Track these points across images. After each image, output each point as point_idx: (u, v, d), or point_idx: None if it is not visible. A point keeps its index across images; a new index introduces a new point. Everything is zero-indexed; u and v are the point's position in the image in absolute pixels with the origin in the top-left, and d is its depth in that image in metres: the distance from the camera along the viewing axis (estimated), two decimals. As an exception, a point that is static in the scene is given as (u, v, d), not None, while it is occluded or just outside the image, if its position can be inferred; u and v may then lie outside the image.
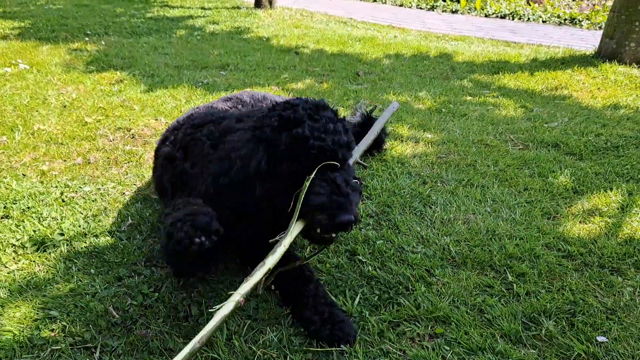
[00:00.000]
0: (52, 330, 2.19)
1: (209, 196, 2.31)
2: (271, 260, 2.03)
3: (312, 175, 2.10)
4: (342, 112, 5.06)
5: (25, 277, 2.52)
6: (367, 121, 4.18)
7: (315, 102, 2.26)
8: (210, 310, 2.04)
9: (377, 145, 4.20)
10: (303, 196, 2.09)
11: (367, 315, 2.39)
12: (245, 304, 2.15)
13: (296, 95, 5.76)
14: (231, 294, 1.92)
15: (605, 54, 7.42)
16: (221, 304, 1.89)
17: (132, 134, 4.34)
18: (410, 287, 2.59)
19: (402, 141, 4.54)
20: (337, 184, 2.12)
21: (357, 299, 2.49)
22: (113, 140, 4.22)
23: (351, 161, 2.52)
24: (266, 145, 2.18)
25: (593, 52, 7.84)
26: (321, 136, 2.12)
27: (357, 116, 4.30)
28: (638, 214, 3.37)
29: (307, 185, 2.10)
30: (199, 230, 1.99)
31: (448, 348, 2.21)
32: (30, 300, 2.36)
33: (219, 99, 3.37)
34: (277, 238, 2.11)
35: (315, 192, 2.10)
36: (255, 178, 2.20)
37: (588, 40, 10.09)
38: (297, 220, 2.11)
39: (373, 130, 3.47)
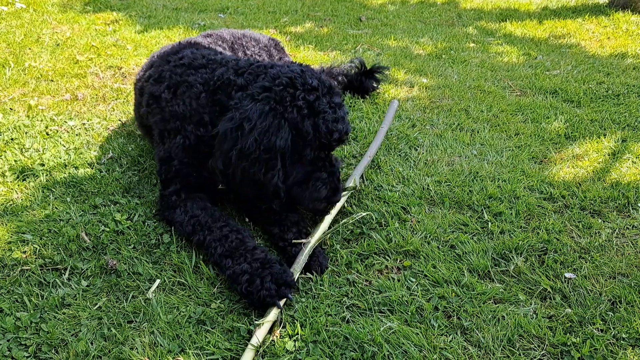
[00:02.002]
0: (24, 252, 2.23)
1: (219, 170, 2.26)
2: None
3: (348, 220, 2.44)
4: (339, 57, 4.96)
5: (2, 203, 2.55)
6: (364, 73, 4.18)
7: (329, 84, 2.34)
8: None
9: (364, 90, 4.17)
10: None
11: (338, 248, 2.40)
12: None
13: (293, 39, 5.65)
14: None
15: (619, 3, 7.13)
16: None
17: (123, 73, 4.30)
18: (384, 223, 2.58)
19: (396, 85, 4.46)
20: (334, 173, 2.39)
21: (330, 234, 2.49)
22: (103, 78, 4.19)
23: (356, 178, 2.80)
24: (290, 125, 2.18)
25: (607, 1, 7.54)
26: (339, 127, 2.28)
27: (354, 63, 4.25)
28: (629, 159, 3.30)
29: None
30: (284, 287, 2.03)
31: (414, 280, 2.22)
32: (6, 224, 2.40)
33: (199, 35, 3.30)
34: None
35: (318, 183, 2.36)
36: (276, 154, 2.17)
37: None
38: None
39: (378, 136, 3.31)
